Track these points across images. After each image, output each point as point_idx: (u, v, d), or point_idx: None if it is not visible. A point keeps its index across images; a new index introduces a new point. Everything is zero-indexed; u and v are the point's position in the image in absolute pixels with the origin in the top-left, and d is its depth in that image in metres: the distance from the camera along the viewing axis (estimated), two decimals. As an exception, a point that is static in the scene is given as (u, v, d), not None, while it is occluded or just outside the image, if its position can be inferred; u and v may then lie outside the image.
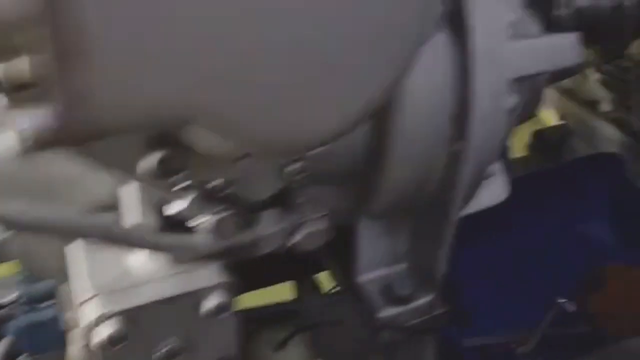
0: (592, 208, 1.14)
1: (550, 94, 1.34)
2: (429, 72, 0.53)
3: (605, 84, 1.19)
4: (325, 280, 0.86)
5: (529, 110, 0.65)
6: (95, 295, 0.46)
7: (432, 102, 0.54)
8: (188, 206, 0.43)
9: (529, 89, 0.60)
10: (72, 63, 0.26)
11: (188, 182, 0.39)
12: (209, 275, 0.48)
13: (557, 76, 0.73)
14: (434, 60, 0.53)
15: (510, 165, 1.42)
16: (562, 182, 1.19)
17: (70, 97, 0.27)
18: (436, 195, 0.57)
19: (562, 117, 1.41)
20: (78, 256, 0.50)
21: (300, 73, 0.33)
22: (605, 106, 1.23)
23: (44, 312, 0.74)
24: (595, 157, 1.22)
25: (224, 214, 0.44)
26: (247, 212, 0.46)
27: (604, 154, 1.21)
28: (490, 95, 0.53)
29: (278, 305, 0.82)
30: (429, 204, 0.59)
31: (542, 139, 1.38)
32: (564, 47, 0.55)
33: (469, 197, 0.60)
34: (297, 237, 0.49)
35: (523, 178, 1.23)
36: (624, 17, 0.78)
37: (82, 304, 0.46)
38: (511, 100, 0.55)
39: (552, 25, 0.78)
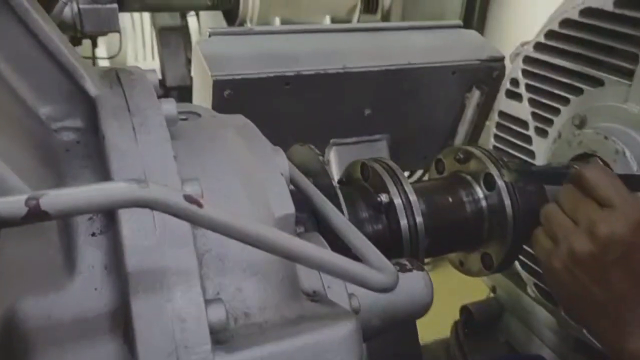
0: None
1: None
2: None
3: (524, 266, 0.99)
4: None
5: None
6: None
7: None
8: None
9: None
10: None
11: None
12: None
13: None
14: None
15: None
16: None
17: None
18: None
19: (492, 289, 1.20)
20: None
21: None
22: (530, 291, 1.02)
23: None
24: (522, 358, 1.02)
25: None
26: None
27: (532, 357, 1.00)
28: None
29: None
30: None
31: (472, 319, 1.17)
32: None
33: None
34: None
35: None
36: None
37: None
38: None
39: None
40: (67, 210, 0.25)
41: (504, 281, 1.15)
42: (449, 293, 1.27)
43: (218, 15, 2.26)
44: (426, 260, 2.49)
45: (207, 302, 0.34)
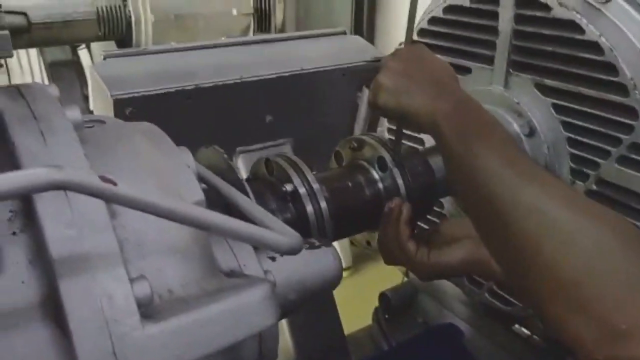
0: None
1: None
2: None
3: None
4: None
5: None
6: None
7: None
8: None
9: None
10: None
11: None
12: None
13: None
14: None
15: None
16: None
17: None
18: None
19: (405, 273, 1.29)
20: None
21: None
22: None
23: None
24: (435, 329, 1.10)
25: None
26: None
27: (444, 326, 1.09)
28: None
29: None
30: None
31: (389, 303, 1.24)
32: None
33: None
34: None
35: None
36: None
37: None
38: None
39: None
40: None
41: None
42: (369, 287, 1.35)
43: (110, 46, 2.24)
44: (348, 265, 2.55)
45: (132, 280, 0.38)
